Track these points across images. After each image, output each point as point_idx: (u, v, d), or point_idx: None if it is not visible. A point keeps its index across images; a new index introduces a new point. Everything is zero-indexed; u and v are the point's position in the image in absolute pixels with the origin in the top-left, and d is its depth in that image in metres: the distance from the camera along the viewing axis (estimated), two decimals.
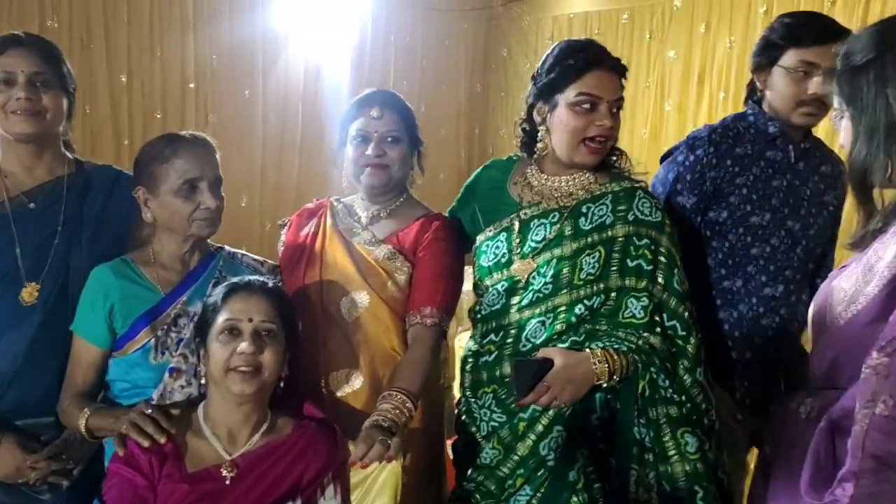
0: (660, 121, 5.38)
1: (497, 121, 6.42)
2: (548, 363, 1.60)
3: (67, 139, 1.90)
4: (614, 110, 1.70)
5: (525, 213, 1.78)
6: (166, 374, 1.68)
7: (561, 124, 1.72)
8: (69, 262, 1.76)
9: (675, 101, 5.30)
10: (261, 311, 1.55)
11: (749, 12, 4.87)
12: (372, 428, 1.49)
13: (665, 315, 1.70)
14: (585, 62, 1.69)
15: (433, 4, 5.90)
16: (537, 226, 1.76)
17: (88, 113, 4.24)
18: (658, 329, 1.68)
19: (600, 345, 1.64)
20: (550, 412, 1.66)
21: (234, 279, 1.66)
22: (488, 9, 6.25)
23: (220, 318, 1.54)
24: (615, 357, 1.61)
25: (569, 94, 1.69)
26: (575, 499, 1.64)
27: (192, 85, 4.69)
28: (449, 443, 2.02)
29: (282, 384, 1.62)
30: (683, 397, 1.66)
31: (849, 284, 1.29)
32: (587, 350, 1.63)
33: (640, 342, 1.64)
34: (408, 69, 5.85)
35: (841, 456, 1.17)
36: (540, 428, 1.67)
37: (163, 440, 1.48)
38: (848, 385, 1.24)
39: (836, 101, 1.32)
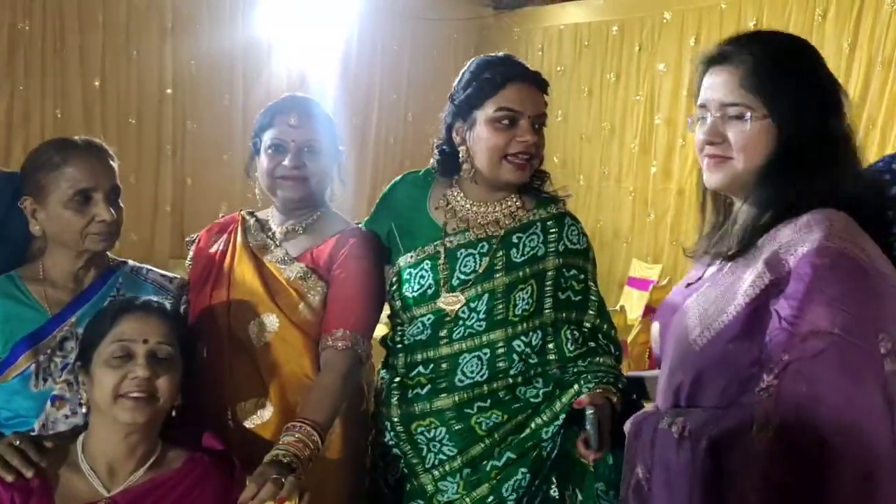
0: (649, 134, 5.28)
1: None
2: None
3: None
4: (536, 126, 1.58)
5: (451, 242, 1.64)
6: (48, 403, 1.50)
7: (481, 142, 1.59)
8: None
9: (665, 115, 5.20)
10: (157, 333, 1.39)
11: (739, 24, 4.77)
12: (269, 465, 1.33)
13: (601, 337, 1.66)
14: (503, 76, 1.56)
15: (422, 13, 5.83)
16: (465, 255, 1.63)
17: (59, 117, 4.18)
18: (611, 349, 1.66)
19: (591, 384, 1.57)
20: (510, 450, 1.59)
21: (120, 299, 1.51)
22: (478, 19, 6.18)
23: (110, 340, 1.38)
24: (614, 391, 1.57)
25: (487, 110, 1.57)
26: None
27: (169, 91, 4.62)
28: None
29: (173, 413, 1.48)
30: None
31: (705, 304, 1.23)
32: (602, 389, 1.56)
33: (609, 365, 1.62)
34: (395, 78, 5.79)
35: (728, 475, 1.14)
36: (500, 465, 1.60)
37: (29, 475, 1.32)
38: (711, 403, 1.23)
39: None
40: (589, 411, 1.51)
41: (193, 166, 4.90)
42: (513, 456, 1.59)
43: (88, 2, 4.21)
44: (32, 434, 1.45)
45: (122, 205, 1.59)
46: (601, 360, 1.62)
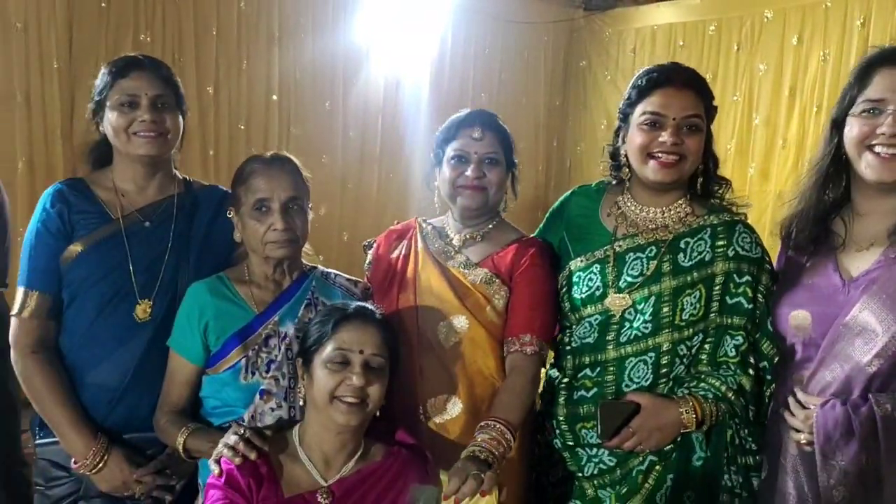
0: (747, 135, 5.19)
1: (576, 134, 6.34)
2: (634, 407, 1.60)
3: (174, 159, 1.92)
4: (685, 128, 1.64)
5: (620, 246, 1.73)
6: (257, 396, 1.67)
7: (630, 143, 1.71)
8: (177, 281, 1.78)
9: (764, 115, 5.11)
10: (372, 344, 1.53)
11: (845, 24, 4.66)
12: (467, 460, 1.45)
13: (757, 355, 1.68)
14: (652, 82, 1.67)
15: (513, 16, 5.87)
16: (633, 259, 1.71)
17: None
18: (751, 370, 1.65)
19: (686, 391, 1.63)
20: (661, 462, 1.65)
21: (341, 305, 1.63)
22: (569, 21, 6.18)
23: (330, 346, 1.52)
24: (703, 405, 1.60)
25: (636, 114, 1.68)
26: None
27: (275, 97, 4.78)
28: None
29: (377, 413, 1.60)
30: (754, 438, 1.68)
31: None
32: (676, 397, 1.63)
33: (730, 392, 1.63)
34: (486, 81, 5.84)
35: None
36: (655, 476, 1.66)
37: (253, 457, 1.48)
38: None
39: None
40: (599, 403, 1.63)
41: None
42: (654, 458, 1.66)
43: (203, 14, 4.39)
44: (243, 423, 1.60)
45: (309, 215, 1.72)
46: (716, 381, 1.64)
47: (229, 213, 1.75)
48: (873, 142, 1.51)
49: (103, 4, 4.01)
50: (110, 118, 1.74)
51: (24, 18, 3.74)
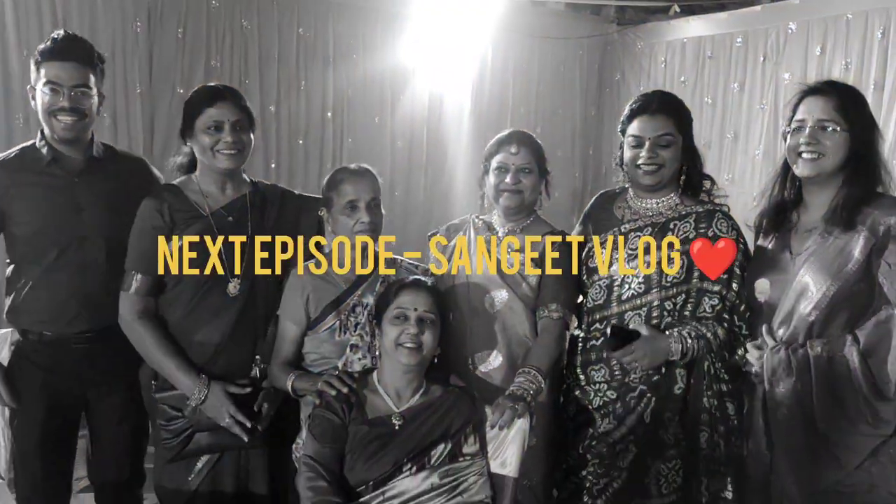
0: (773, 142, 5.44)
1: (611, 143, 6.62)
2: (637, 333, 2.06)
3: None
4: (658, 145, 2.13)
5: (625, 227, 2.22)
6: (348, 349, 2.15)
7: (625, 157, 2.22)
8: (254, 262, 2.21)
9: None
10: (424, 303, 2.00)
11: (866, 34, 4.90)
12: (506, 397, 1.95)
13: (736, 316, 2.11)
14: (633, 111, 2.18)
15: (549, 33, 6.22)
16: (633, 237, 2.19)
17: None
18: (725, 324, 2.09)
19: (675, 332, 2.08)
20: (651, 392, 2.11)
21: (402, 278, 2.12)
22: (603, 35, 6.51)
23: (393, 306, 2.00)
24: (688, 341, 2.04)
25: (627, 135, 2.20)
26: (669, 452, 2.10)
27: (329, 114, 5.20)
28: None
29: (436, 360, 2.05)
30: (730, 376, 2.12)
31: (825, 263, 1.97)
32: (667, 332, 2.08)
33: (709, 333, 2.06)
34: (525, 95, 6.19)
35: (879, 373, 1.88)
36: (645, 401, 2.11)
37: (345, 390, 1.95)
38: (837, 332, 1.96)
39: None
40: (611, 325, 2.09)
41: None
42: (644, 388, 2.12)
43: (267, 40, 4.81)
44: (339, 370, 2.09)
45: (383, 211, 2.19)
46: (697, 325, 2.06)
47: (320, 212, 2.18)
48: (801, 149, 1.97)
49: (179, 35, 4.47)
50: (200, 139, 2.16)
51: (112, 48, 4.19)
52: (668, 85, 6.14)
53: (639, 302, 2.15)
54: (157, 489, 2.27)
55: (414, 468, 1.89)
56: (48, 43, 2.21)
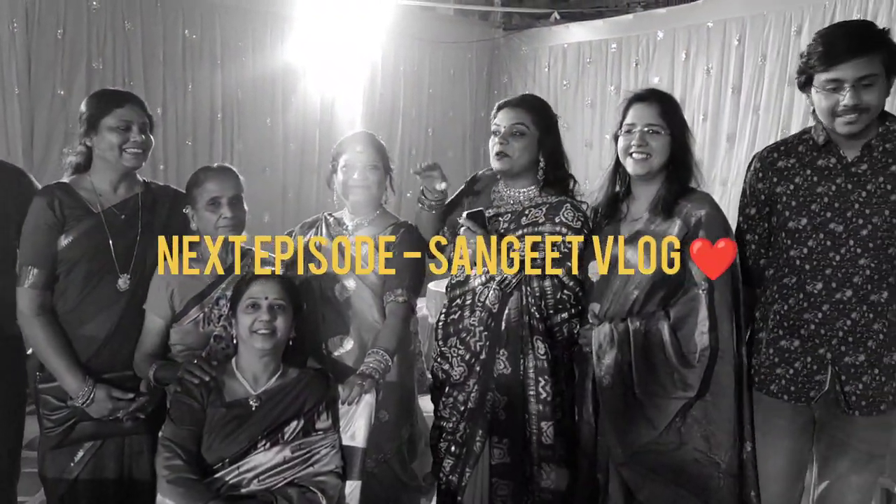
0: None
1: None
2: (481, 214, 2.30)
3: None
4: (513, 133, 2.33)
5: (490, 212, 2.39)
6: (212, 340, 2.28)
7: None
8: (145, 259, 2.30)
9: None
10: (274, 291, 2.12)
11: (724, 41, 5.32)
12: (357, 376, 2.12)
13: (565, 291, 2.34)
14: (497, 105, 2.41)
15: (439, 38, 6.43)
16: (495, 222, 2.39)
17: None
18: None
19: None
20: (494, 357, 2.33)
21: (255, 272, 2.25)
22: (490, 40, 6.77)
23: (245, 296, 2.12)
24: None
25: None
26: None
27: (219, 115, 5.23)
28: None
29: (290, 343, 2.17)
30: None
31: (647, 248, 2.23)
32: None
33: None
34: (416, 97, 6.37)
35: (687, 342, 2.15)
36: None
37: (206, 378, 2.07)
38: (653, 308, 2.21)
39: None
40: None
41: None
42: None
43: (150, 41, 4.81)
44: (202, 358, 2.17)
45: (245, 207, 2.32)
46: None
47: (185, 210, 2.28)
48: (631, 150, 2.21)
49: (59, 35, 4.42)
50: (107, 137, 2.21)
51: None
52: (553, 87, 6.45)
53: (488, 277, 2.34)
54: (41, 478, 2.31)
55: (268, 444, 2.02)
56: None
